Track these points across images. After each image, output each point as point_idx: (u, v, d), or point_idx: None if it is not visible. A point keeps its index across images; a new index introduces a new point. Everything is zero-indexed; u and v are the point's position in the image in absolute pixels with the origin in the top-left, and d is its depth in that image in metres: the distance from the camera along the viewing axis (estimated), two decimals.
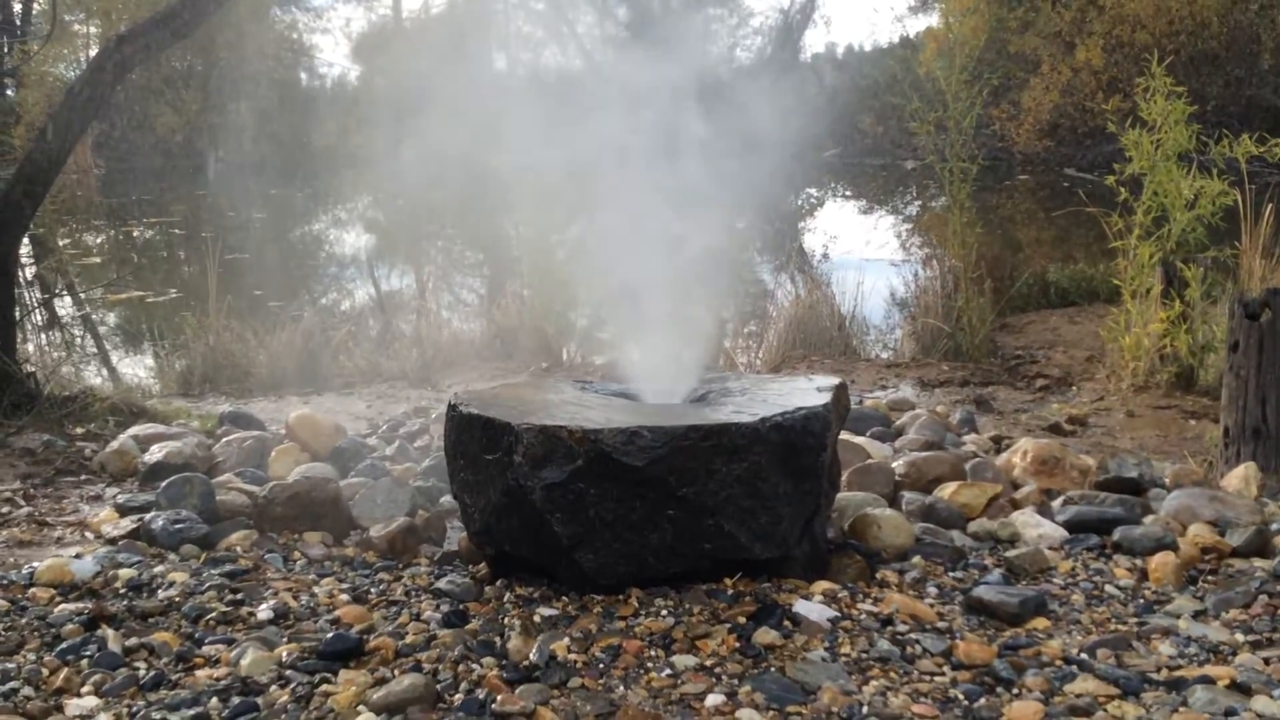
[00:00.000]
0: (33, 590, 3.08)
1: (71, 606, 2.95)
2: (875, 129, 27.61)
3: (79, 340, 9.45)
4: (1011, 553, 3.24)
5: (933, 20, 28.40)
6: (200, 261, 8.95)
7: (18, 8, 28.26)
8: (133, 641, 2.71)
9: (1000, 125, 22.31)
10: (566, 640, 2.64)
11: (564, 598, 2.91)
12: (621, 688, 2.45)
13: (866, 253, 12.41)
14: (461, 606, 2.92)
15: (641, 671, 2.53)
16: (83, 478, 4.35)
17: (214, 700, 2.40)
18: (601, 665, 2.55)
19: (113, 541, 3.49)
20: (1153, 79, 5.99)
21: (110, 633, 2.75)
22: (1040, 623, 2.81)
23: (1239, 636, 2.71)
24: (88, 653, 2.66)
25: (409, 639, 2.70)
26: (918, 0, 31.23)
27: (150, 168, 26.13)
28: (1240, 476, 3.84)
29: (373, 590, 3.09)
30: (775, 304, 8.72)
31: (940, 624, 2.79)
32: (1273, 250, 6.54)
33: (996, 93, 20.47)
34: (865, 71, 30.58)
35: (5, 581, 3.15)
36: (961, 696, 2.42)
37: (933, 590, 3.03)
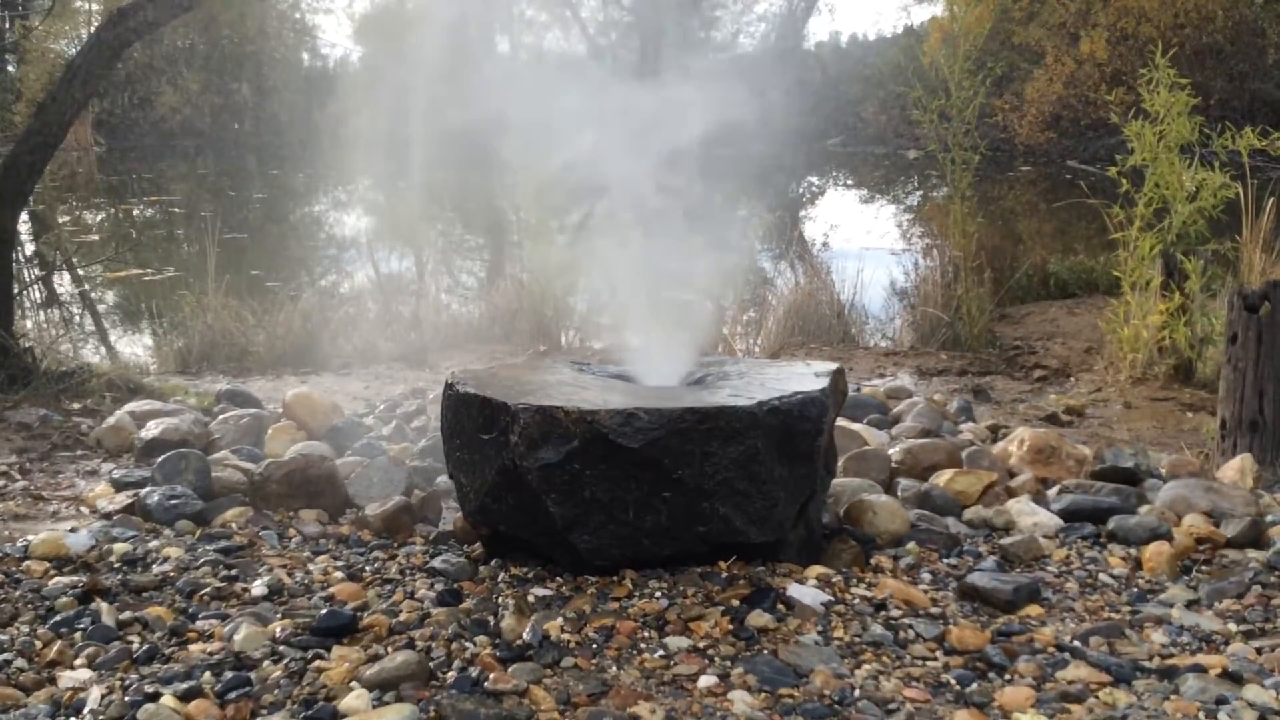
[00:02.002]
0: (27, 563, 3.08)
1: (66, 580, 2.95)
2: (878, 118, 27.55)
3: (77, 317, 9.44)
4: (1006, 540, 3.24)
5: (937, 9, 28.30)
6: (199, 240, 8.94)
7: None
8: (126, 615, 2.71)
9: (1003, 116, 22.27)
10: (560, 620, 2.65)
11: (558, 578, 2.91)
12: (614, 668, 2.46)
13: (867, 242, 12.40)
14: (456, 585, 2.92)
15: (634, 652, 2.53)
16: (79, 453, 4.35)
17: (207, 674, 2.40)
18: (595, 646, 2.55)
19: (108, 516, 3.49)
20: (1156, 71, 5.97)
21: (104, 606, 2.75)
22: (1033, 610, 2.82)
23: (1232, 626, 2.71)
24: (81, 626, 2.66)
25: (403, 617, 2.71)
26: None
27: (150, 146, 26.06)
28: (1236, 468, 3.84)
29: (367, 568, 3.09)
30: (775, 291, 8.71)
31: (934, 610, 2.79)
32: (1273, 244, 6.54)
33: (1000, 83, 20.42)
34: (869, 60, 30.51)
35: (0, 554, 3.15)
36: (953, 681, 2.43)
37: (927, 576, 3.03)
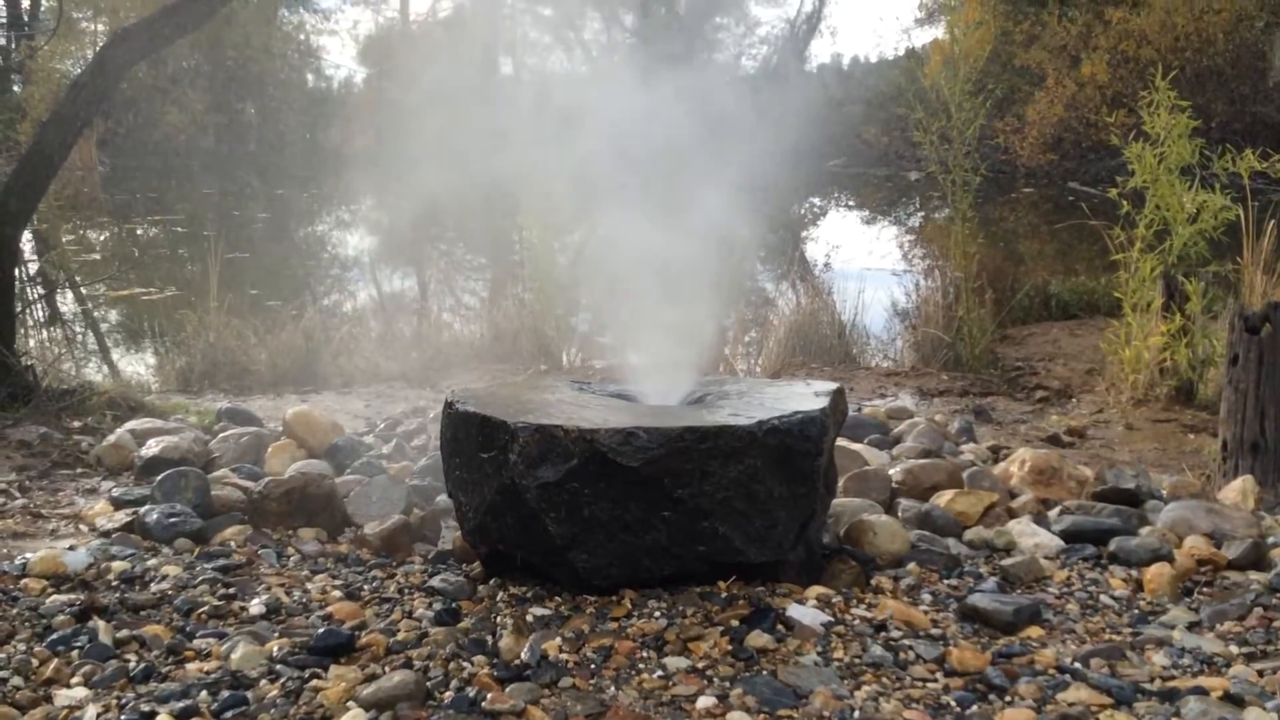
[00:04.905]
0: (25, 581, 3.07)
1: (63, 598, 2.94)
2: (879, 139, 27.65)
3: (79, 335, 9.45)
4: (1007, 561, 3.23)
5: (938, 32, 28.44)
6: (202, 259, 8.96)
7: (25, 3, 28.33)
8: (124, 633, 2.71)
9: (1004, 138, 22.34)
10: (558, 640, 2.64)
11: (557, 597, 2.90)
12: (613, 688, 2.45)
13: (868, 262, 12.42)
14: (454, 605, 2.91)
15: (633, 672, 2.52)
16: (78, 471, 4.35)
17: (203, 693, 2.40)
18: (593, 665, 2.54)
19: (107, 534, 3.49)
20: (1157, 93, 6.00)
21: (101, 624, 2.74)
22: (1034, 631, 2.80)
23: (1233, 648, 2.70)
24: (78, 644, 2.65)
25: (400, 636, 2.70)
26: (924, 12, 31.27)
27: (154, 166, 26.15)
28: (1237, 490, 3.83)
29: (366, 587, 3.08)
30: (776, 311, 8.72)
31: (934, 630, 2.78)
32: (1274, 265, 6.53)
33: (1001, 105, 20.49)
34: (870, 83, 30.66)
35: None
36: (954, 703, 2.41)
37: (927, 597, 3.02)
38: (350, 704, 2.35)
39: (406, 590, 3.05)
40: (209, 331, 6.90)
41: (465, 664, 2.54)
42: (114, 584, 3.07)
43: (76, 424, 4.96)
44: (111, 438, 4.51)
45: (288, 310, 8.06)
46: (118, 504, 3.77)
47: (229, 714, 2.32)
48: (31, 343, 7.47)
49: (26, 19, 27.66)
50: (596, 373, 6.31)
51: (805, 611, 2.81)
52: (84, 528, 3.64)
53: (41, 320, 9.47)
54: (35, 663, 2.56)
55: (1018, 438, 5.29)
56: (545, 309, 7.61)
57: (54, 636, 2.69)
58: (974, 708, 2.39)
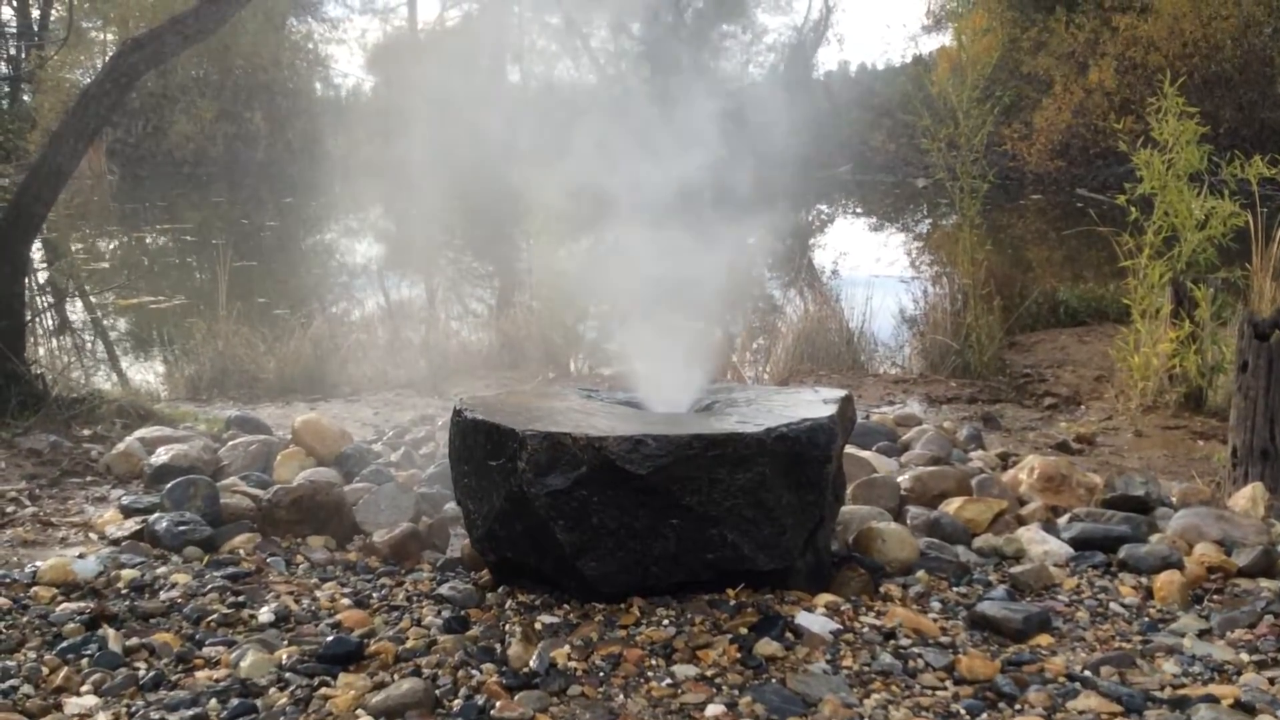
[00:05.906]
0: (35, 589, 3.09)
1: (73, 606, 2.95)
2: (887, 146, 27.62)
3: (89, 344, 9.48)
4: (1016, 569, 3.23)
5: (946, 39, 28.45)
6: (211, 268, 8.99)
7: (35, 13, 28.47)
8: (133, 641, 2.71)
9: (1012, 145, 22.31)
10: (567, 648, 2.64)
11: (565, 605, 2.91)
12: (621, 696, 2.45)
13: (876, 269, 12.41)
14: (463, 612, 2.91)
15: (641, 680, 2.52)
16: (88, 479, 4.36)
17: (213, 701, 2.40)
18: (601, 673, 2.54)
19: (116, 542, 3.50)
20: (1165, 99, 5.99)
21: (111, 632, 2.75)
22: (1044, 639, 2.80)
23: (1244, 656, 2.69)
24: (88, 652, 2.66)
25: (409, 644, 2.70)
26: (931, 19, 31.25)
27: (164, 174, 26.21)
28: (1247, 497, 3.82)
29: (374, 595, 3.09)
30: (784, 319, 8.71)
31: (943, 638, 2.78)
32: None
33: (1008, 112, 20.48)
34: (878, 89, 30.63)
35: (8, 580, 3.15)
36: (963, 711, 2.41)
37: (936, 605, 3.01)
38: (359, 712, 2.35)
39: (415, 598, 3.06)
40: (218, 340, 6.91)
41: (474, 672, 2.55)
42: (123, 592, 3.08)
43: (86, 432, 4.98)
44: (121, 446, 4.52)
45: (296, 318, 8.08)
46: (127, 512, 3.78)
47: None
48: (41, 351, 7.49)
49: (36, 28, 27.80)
50: (605, 380, 6.31)
51: (814, 619, 2.81)
52: (93, 536, 3.65)
53: (51, 329, 9.50)
54: (45, 671, 2.57)
55: (1026, 445, 5.28)
56: (553, 317, 7.61)
57: (64, 644, 2.70)
58: (984, 716, 2.39)
